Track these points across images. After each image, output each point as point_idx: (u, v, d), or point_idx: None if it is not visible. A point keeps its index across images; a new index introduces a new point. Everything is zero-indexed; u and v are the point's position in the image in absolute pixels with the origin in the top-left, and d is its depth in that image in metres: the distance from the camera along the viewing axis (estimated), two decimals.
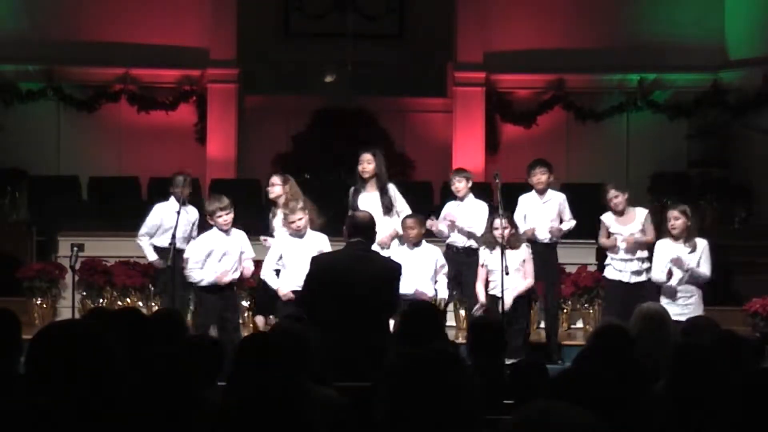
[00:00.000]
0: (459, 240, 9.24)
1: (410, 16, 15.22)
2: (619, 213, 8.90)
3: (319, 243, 8.34)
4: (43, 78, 13.98)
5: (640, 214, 8.94)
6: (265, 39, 15.00)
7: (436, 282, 8.76)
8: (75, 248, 9.14)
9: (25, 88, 13.98)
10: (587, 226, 9.64)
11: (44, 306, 10.71)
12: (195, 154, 13.91)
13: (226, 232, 8.42)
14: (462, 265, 9.21)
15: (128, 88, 14.10)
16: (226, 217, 8.36)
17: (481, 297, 8.72)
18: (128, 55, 14.05)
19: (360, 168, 9.03)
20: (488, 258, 8.71)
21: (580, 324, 10.87)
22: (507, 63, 14.22)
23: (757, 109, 13.67)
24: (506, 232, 8.52)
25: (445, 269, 8.83)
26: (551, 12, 14.36)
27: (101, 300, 10.61)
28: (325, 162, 13.79)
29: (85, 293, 10.69)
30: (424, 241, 8.85)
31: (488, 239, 8.71)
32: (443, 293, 9.00)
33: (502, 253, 8.40)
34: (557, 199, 9.34)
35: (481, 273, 8.78)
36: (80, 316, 9.23)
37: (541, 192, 9.29)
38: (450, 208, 9.34)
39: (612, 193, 8.90)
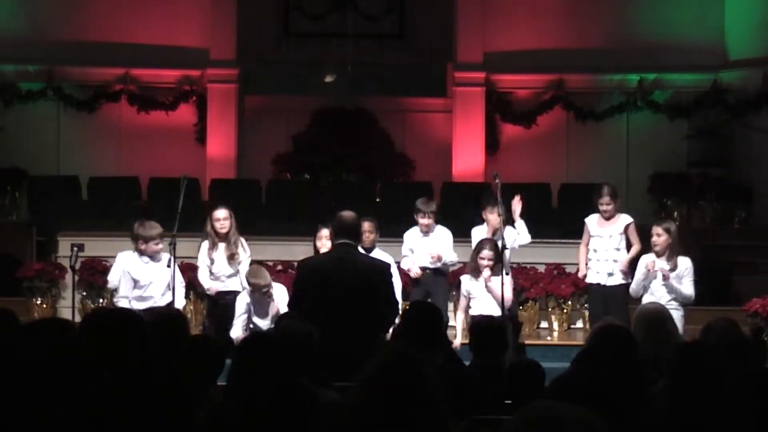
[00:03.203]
0: (428, 262, 9.18)
1: (410, 16, 15.22)
2: (606, 218, 8.89)
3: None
4: (43, 78, 13.99)
5: (624, 220, 8.90)
6: (265, 39, 15.00)
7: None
8: (75, 248, 9.12)
9: (25, 88, 13.99)
10: None
11: (44, 306, 10.72)
12: (195, 154, 13.92)
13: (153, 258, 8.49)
14: (431, 285, 9.19)
15: (128, 88, 14.10)
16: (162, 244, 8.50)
17: (459, 328, 8.51)
18: (128, 55, 14.05)
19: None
20: (471, 286, 8.45)
21: (579, 324, 10.89)
22: (507, 63, 14.22)
23: (757, 109, 13.67)
24: (490, 263, 8.27)
25: (397, 281, 8.67)
26: (551, 12, 14.35)
27: (101, 300, 10.62)
28: (325, 162, 13.79)
29: (85, 293, 10.70)
30: (377, 248, 8.80)
31: (472, 267, 8.44)
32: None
33: (503, 276, 8.28)
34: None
35: (462, 303, 8.53)
36: (81, 316, 9.23)
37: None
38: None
39: (605, 200, 8.88)
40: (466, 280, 8.49)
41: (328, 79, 14.95)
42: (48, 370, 3.19)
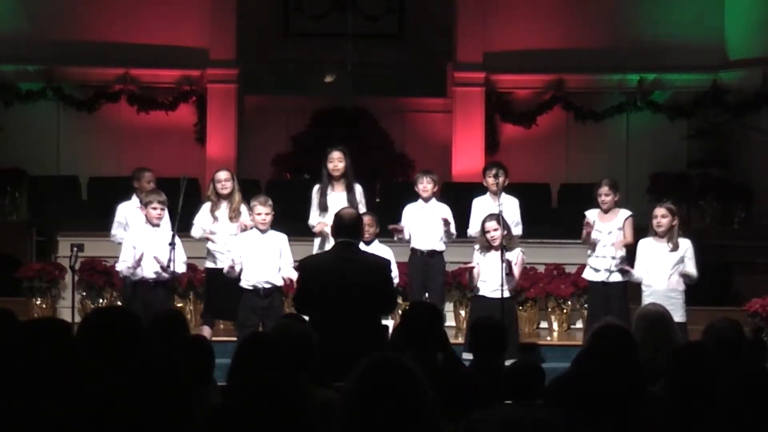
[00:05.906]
0: (422, 244, 9.21)
1: (410, 16, 15.22)
2: (604, 210, 8.90)
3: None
4: (43, 78, 13.99)
5: (623, 214, 8.92)
6: (265, 39, 15.00)
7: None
8: (75, 248, 9.13)
9: (25, 88, 13.98)
10: None
11: (44, 306, 10.72)
12: (195, 154, 13.92)
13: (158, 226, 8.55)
14: (427, 267, 9.20)
15: (128, 88, 14.10)
16: (160, 211, 8.51)
17: (475, 273, 8.56)
18: (128, 55, 14.05)
19: (330, 166, 8.98)
20: (481, 260, 8.59)
21: (579, 324, 10.88)
22: (507, 63, 14.22)
23: (756, 109, 13.67)
24: (498, 233, 8.46)
25: (395, 278, 8.64)
26: (551, 12, 14.35)
27: (101, 300, 10.62)
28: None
29: (85, 293, 10.70)
30: (377, 241, 8.80)
31: (482, 243, 8.59)
32: None
33: (502, 254, 8.39)
34: (511, 203, 9.22)
35: (476, 268, 8.62)
36: (81, 316, 9.23)
37: (496, 194, 9.14)
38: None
39: (604, 189, 8.90)
40: (477, 254, 8.63)
41: (328, 79, 14.96)
42: (48, 370, 3.19)
